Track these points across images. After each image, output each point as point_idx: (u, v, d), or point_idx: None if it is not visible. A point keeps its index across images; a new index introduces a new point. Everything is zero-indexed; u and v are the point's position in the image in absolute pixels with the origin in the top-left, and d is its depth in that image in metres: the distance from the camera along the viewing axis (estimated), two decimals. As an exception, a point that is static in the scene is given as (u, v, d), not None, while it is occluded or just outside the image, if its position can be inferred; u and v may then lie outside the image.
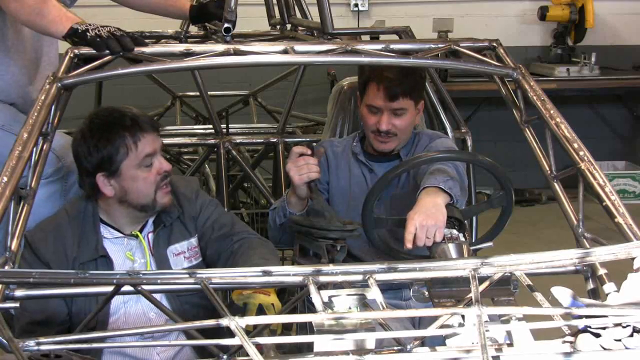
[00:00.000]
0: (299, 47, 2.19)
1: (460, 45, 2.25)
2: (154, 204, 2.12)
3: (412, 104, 2.40)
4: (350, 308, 1.37)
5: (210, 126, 3.53)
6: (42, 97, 1.92)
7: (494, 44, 2.27)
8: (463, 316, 1.33)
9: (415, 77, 2.40)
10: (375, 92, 2.37)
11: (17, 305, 1.48)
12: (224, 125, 3.81)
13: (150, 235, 2.17)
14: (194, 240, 2.23)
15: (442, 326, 1.32)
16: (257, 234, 2.31)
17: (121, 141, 2.05)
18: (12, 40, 2.52)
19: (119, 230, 2.14)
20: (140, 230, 2.16)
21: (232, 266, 2.12)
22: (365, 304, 1.38)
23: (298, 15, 3.03)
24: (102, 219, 2.13)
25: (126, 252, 2.13)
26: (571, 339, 1.28)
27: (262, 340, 1.28)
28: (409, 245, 1.97)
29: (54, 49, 2.69)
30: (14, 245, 1.64)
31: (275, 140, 3.49)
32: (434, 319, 1.33)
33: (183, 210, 2.22)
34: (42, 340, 1.25)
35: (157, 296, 1.99)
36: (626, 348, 1.24)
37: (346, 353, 1.27)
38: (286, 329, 2.30)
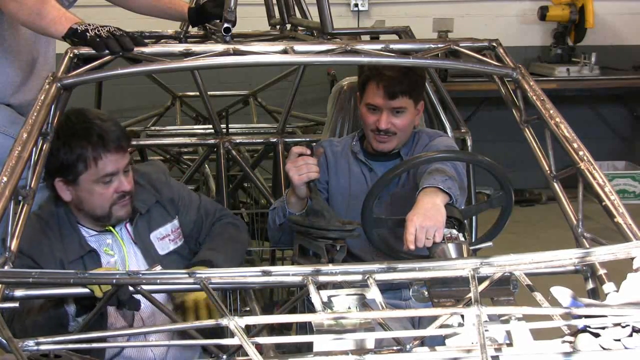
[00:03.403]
0: (298, 47, 2.19)
1: (460, 45, 2.25)
2: (109, 216, 2.11)
3: (412, 104, 2.40)
4: (349, 308, 1.37)
5: (210, 126, 3.53)
6: (42, 97, 1.92)
7: (494, 44, 2.27)
8: (462, 316, 1.33)
9: (415, 76, 2.40)
10: (375, 90, 2.37)
11: (17, 305, 1.48)
12: (223, 125, 3.81)
13: (129, 226, 2.19)
14: (176, 222, 2.26)
15: (442, 326, 1.33)
16: (232, 215, 2.40)
17: (82, 155, 2.03)
18: (9, 41, 2.52)
19: (92, 229, 2.15)
20: (115, 224, 2.16)
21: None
22: (364, 304, 1.38)
23: (298, 15, 3.03)
24: (77, 219, 2.14)
25: (104, 247, 2.14)
26: (571, 338, 1.28)
27: (262, 340, 1.29)
28: (411, 246, 1.97)
29: (51, 49, 2.69)
30: (13, 246, 1.64)
31: (275, 140, 3.49)
32: (434, 318, 1.33)
33: (161, 194, 2.24)
34: (41, 340, 1.25)
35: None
36: (625, 348, 1.24)
37: (346, 353, 1.27)
38: (286, 328, 2.31)
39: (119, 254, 2.15)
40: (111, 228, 2.15)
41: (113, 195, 2.09)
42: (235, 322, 1.25)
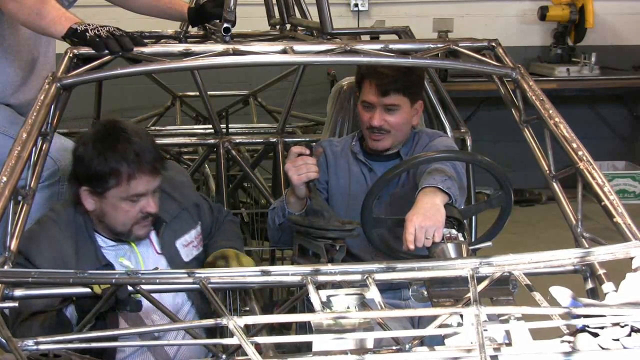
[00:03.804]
0: (298, 47, 2.19)
1: (460, 45, 2.25)
2: (128, 234, 2.09)
3: (407, 102, 2.40)
4: (349, 308, 1.37)
5: (210, 126, 3.53)
6: (42, 97, 1.92)
7: (493, 44, 2.27)
8: (462, 316, 1.34)
9: (411, 75, 2.39)
10: (369, 88, 2.38)
11: (17, 304, 1.48)
12: (223, 125, 3.81)
13: (154, 237, 2.16)
14: (199, 227, 2.25)
15: (441, 326, 1.33)
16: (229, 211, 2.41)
17: (116, 170, 1.99)
18: (9, 41, 2.52)
19: (110, 239, 2.12)
20: (132, 241, 2.13)
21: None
22: (364, 304, 1.38)
23: (297, 15, 3.04)
24: (94, 228, 2.10)
25: (120, 258, 2.11)
26: (570, 338, 1.28)
27: (261, 339, 1.29)
28: (410, 246, 1.98)
29: (51, 49, 2.69)
30: (13, 246, 1.64)
31: (275, 140, 3.49)
32: (433, 318, 1.34)
33: (186, 200, 2.22)
34: (41, 339, 1.25)
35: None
36: (624, 347, 1.25)
37: (345, 352, 1.27)
38: (285, 328, 2.31)
39: (135, 265, 2.13)
40: (131, 242, 2.12)
41: (137, 215, 2.05)
42: (235, 322, 1.25)
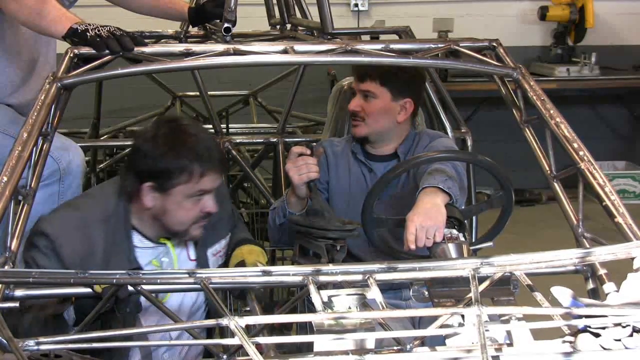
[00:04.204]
0: (298, 47, 2.19)
1: (460, 45, 2.25)
2: (184, 233, 2.07)
3: (386, 93, 2.42)
4: (350, 308, 1.37)
5: (210, 126, 3.53)
6: (42, 97, 1.92)
7: (494, 44, 2.27)
8: (463, 316, 1.33)
9: (398, 71, 2.40)
10: (353, 75, 2.50)
11: (17, 304, 1.48)
12: (223, 125, 3.81)
13: (189, 244, 2.15)
14: (228, 238, 2.25)
15: (442, 326, 1.33)
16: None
17: (188, 166, 1.97)
18: (10, 41, 2.51)
19: (149, 239, 2.09)
20: (168, 238, 2.11)
21: None
22: (365, 304, 1.38)
23: (298, 15, 3.03)
24: (132, 225, 2.06)
25: (152, 259, 2.09)
26: (571, 338, 1.28)
27: (262, 340, 1.28)
28: (411, 246, 1.98)
29: (51, 49, 2.69)
30: (13, 245, 1.64)
31: (275, 140, 3.49)
32: (434, 318, 1.33)
33: (223, 209, 2.20)
34: (41, 340, 1.25)
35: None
36: (626, 348, 1.24)
37: (346, 353, 1.27)
38: (286, 328, 2.31)
39: (167, 267, 2.11)
40: (167, 241, 2.10)
41: (198, 214, 2.03)
42: (236, 322, 1.25)
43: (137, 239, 2.07)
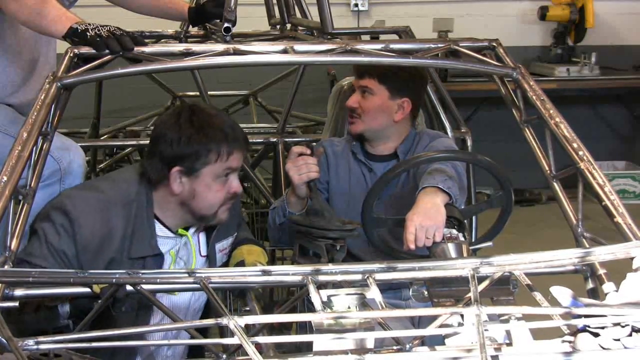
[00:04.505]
0: (298, 46, 2.19)
1: (460, 45, 2.25)
2: (213, 216, 2.08)
3: (383, 91, 2.43)
4: (349, 307, 1.37)
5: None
6: (42, 97, 1.92)
7: (494, 44, 2.27)
8: (462, 316, 1.33)
9: (398, 70, 2.41)
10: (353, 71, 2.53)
11: (17, 304, 1.48)
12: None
13: (201, 234, 2.17)
14: (234, 237, 2.26)
15: (442, 326, 1.33)
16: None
17: (216, 146, 2.00)
18: (10, 41, 2.51)
19: (169, 229, 2.09)
20: (186, 229, 2.13)
21: None
22: (364, 304, 1.38)
23: (298, 15, 3.03)
24: (154, 214, 2.06)
25: (171, 250, 2.10)
26: (570, 338, 1.28)
27: (262, 339, 1.29)
28: (411, 246, 1.98)
29: (52, 49, 2.69)
30: (13, 245, 1.64)
31: (275, 140, 3.49)
32: (434, 318, 1.33)
33: (235, 208, 2.23)
34: (41, 339, 1.25)
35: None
36: (625, 347, 1.24)
37: (345, 352, 1.27)
38: (286, 328, 2.31)
39: (184, 258, 2.13)
40: (186, 232, 2.11)
41: (226, 195, 2.06)
42: (235, 322, 1.25)
43: (157, 228, 2.07)
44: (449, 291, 1.50)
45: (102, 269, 1.90)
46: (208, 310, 2.24)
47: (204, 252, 2.18)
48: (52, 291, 1.60)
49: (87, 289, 1.59)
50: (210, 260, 2.17)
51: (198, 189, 2.03)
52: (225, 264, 2.24)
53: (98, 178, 2.21)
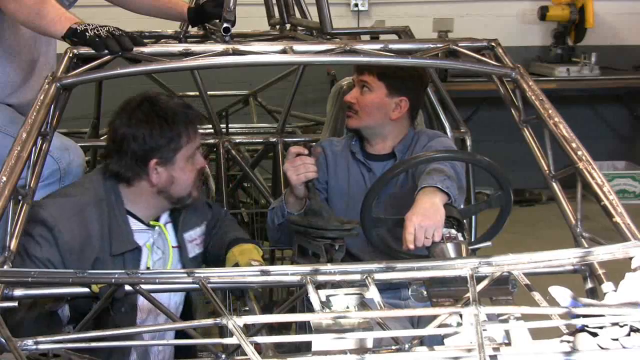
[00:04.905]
0: (298, 46, 2.19)
1: (459, 45, 2.25)
2: (189, 196, 2.16)
3: (382, 88, 2.43)
4: (348, 307, 1.37)
5: (210, 126, 3.53)
6: (41, 97, 1.92)
7: (493, 44, 2.27)
8: (461, 315, 1.33)
9: (397, 69, 2.41)
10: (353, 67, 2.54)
11: (16, 304, 1.48)
12: (223, 125, 3.81)
13: (169, 225, 2.20)
14: (204, 227, 2.28)
15: (441, 325, 1.33)
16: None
17: (184, 129, 2.08)
18: (9, 41, 2.52)
19: (142, 221, 2.14)
20: (157, 220, 2.17)
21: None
22: (363, 304, 1.38)
23: (297, 15, 3.04)
24: (126, 209, 2.11)
25: (147, 243, 2.13)
26: (569, 338, 1.28)
27: (261, 339, 1.29)
28: (410, 246, 1.98)
29: (51, 49, 2.69)
30: (12, 245, 1.64)
31: (274, 140, 3.49)
32: (432, 318, 1.33)
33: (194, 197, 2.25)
34: (40, 339, 1.25)
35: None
36: (623, 347, 1.24)
37: (344, 352, 1.27)
38: (285, 328, 2.31)
39: (160, 249, 2.16)
40: (159, 224, 2.16)
41: (197, 173, 2.15)
42: (234, 322, 1.25)
43: (131, 222, 2.11)
44: (448, 291, 1.50)
45: (89, 269, 1.91)
46: (189, 304, 2.27)
47: (174, 243, 2.20)
48: (51, 291, 1.59)
49: (86, 289, 1.58)
50: (182, 250, 2.20)
51: (175, 174, 2.10)
52: (201, 255, 2.27)
53: (65, 186, 2.23)
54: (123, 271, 1.44)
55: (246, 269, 1.69)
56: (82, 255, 1.98)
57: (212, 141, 3.37)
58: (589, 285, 1.67)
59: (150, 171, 2.07)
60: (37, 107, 1.89)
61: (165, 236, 2.17)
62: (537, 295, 1.38)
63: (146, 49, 2.15)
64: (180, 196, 2.14)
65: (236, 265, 2.14)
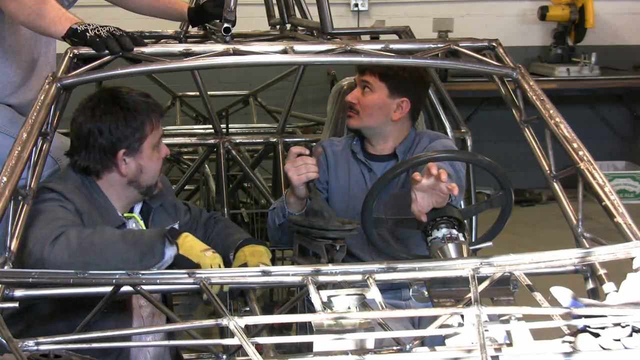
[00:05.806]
0: (298, 47, 2.19)
1: (460, 45, 2.25)
2: (156, 185, 2.19)
3: (383, 88, 2.42)
4: (349, 308, 1.37)
5: (210, 126, 3.53)
6: (42, 97, 1.92)
7: (494, 44, 2.27)
8: (462, 316, 1.33)
9: (399, 70, 2.41)
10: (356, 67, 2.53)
11: (17, 305, 1.48)
12: (223, 125, 3.81)
13: (142, 223, 2.21)
14: (176, 226, 2.27)
15: (442, 326, 1.33)
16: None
17: (147, 117, 2.11)
18: (9, 41, 2.52)
19: (119, 211, 2.15)
20: (130, 211, 2.20)
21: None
22: (364, 304, 1.38)
23: (298, 15, 3.04)
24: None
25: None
26: (570, 338, 1.28)
27: (262, 340, 1.29)
28: (422, 218, 1.98)
29: (51, 49, 2.69)
30: (13, 246, 1.64)
31: (275, 140, 3.49)
32: (434, 318, 1.33)
33: (165, 197, 2.29)
34: (41, 340, 1.25)
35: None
36: (625, 348, 1.24)
37: (345, 353, 1.27)
38: (286, 328, 2.31)
39: None
40: (134, 215, 2.19)
41: (161, 161, 2.19)
42: (235, 322, 1.25)
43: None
44: (449, 291, 1.50)
45: None
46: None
47: None
48: (52, 292, 1.59)
49: (88, 290, 1.57)
50: None
51: (143, 163, 2.14)
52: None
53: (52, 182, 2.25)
54: (124, 272, 1.44)
55: (247, 269, 1.69)
56: (91, 217, 2.02)
57: (212, 141, 3.37)
58: (590, 285, 1.67)
59: (119, 162, 2.10)
60: (38, 107, 1.89)
61: (140, 226, 2.20)
62: (538, 296, 1.38)
63: (146, 49, 2.15)
64: (149, 185, 2.17)
65: (244, 265, 2.13)
